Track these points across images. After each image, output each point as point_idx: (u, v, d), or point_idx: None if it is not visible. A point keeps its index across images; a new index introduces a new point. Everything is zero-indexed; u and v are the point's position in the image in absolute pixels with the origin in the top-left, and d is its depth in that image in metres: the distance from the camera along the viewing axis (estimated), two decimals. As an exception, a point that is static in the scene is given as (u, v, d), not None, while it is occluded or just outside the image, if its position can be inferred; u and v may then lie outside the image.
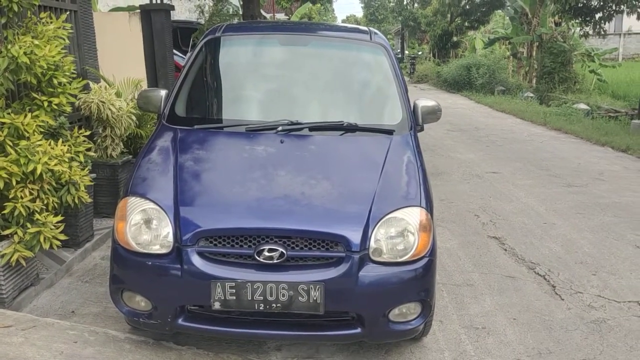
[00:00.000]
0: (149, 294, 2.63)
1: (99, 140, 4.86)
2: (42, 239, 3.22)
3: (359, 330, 2.63)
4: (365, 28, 4.10)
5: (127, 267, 2.66)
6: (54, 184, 3.39)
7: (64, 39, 3.55)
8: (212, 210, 2.68)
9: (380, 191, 2.75)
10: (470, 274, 4.11)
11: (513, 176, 7.19)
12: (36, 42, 3.25)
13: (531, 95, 17.03)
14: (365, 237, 2.57)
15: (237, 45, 3.86)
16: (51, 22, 3.56)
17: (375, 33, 3.94)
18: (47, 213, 3.31)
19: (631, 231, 5.09)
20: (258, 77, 3.72)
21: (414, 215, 2.68)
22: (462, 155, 8.61)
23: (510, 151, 8.95)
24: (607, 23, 15.05)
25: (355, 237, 2.56)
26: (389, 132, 3.24)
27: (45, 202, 3.33)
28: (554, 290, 3.87)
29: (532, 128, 11.76)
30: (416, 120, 3.45)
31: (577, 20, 15.59)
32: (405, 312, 2.68)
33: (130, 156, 5.11)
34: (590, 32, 15.34)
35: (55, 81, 3.41)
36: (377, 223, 2.61)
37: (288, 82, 3.66)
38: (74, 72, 3.61)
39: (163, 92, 3.44)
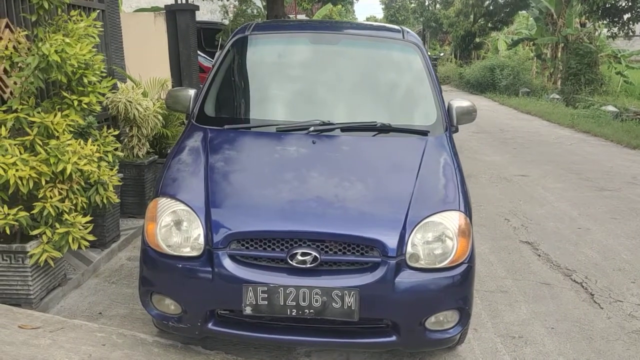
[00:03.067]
0: (178, 298, 2.57)
1: (125, 140, 4.85)
2: (70, 240, 3.18)
3: (394, 338, 2.53)
4: (397, 27, 3.99)
5: (157, 269, 2.60)
6: (82, 183, 3.35)
7: (94, 37, 3.52)
8: (244, 212, 2.60)
9: (417, 194, 2.65)
10: (504, 280, 3.98)
11: (543, 179, 7.01)
12: (67, 40, 3.21)
13: (557, 97, 16.72)
14: (402, 241, 2.48)
15: (267, 44, 3.79)
16: (81, 20, 3.53)
17: (408, 32, 3.83)
18: (75, 213, 3.27)
19: (670, 238, 4.90)
20: (288, 76, 3.64)
21: (452, 220, 2.57)
22: (489, 157, 8.43)
23: (538, 154, 8.75)
24: (635, 24, 14.70)
25: (391, 241, 2.47)
26: (424, 133, 3.15)
27: (74, 202, 3.29)
28: (592, 299, 3.73)
29: (559, 130, 11.51)
30: (451, 121, 3.35)
31: (604, 21, 15.27)
32: (443, 320, 2.58)
33: (156, 156, 5.09)
34: (618, 33, 15.01)
35: (85, 80, 3.37)
36: (414, 227, 2.51)
37: (319, 82, 3.57)
38: (104, 71, 3.57)
39: (192, 92, 3.39)
